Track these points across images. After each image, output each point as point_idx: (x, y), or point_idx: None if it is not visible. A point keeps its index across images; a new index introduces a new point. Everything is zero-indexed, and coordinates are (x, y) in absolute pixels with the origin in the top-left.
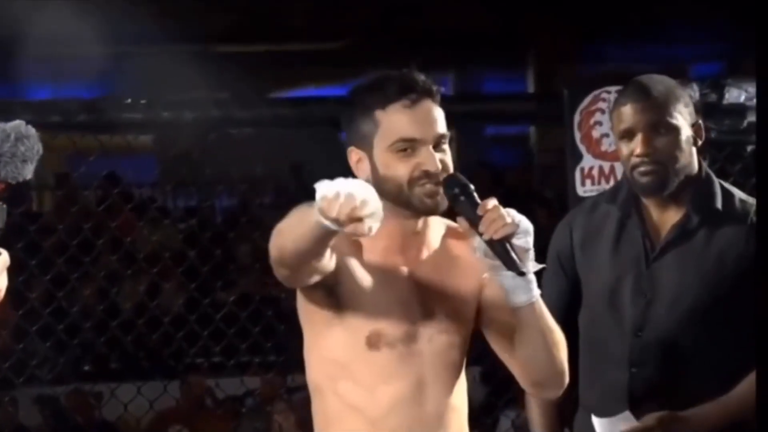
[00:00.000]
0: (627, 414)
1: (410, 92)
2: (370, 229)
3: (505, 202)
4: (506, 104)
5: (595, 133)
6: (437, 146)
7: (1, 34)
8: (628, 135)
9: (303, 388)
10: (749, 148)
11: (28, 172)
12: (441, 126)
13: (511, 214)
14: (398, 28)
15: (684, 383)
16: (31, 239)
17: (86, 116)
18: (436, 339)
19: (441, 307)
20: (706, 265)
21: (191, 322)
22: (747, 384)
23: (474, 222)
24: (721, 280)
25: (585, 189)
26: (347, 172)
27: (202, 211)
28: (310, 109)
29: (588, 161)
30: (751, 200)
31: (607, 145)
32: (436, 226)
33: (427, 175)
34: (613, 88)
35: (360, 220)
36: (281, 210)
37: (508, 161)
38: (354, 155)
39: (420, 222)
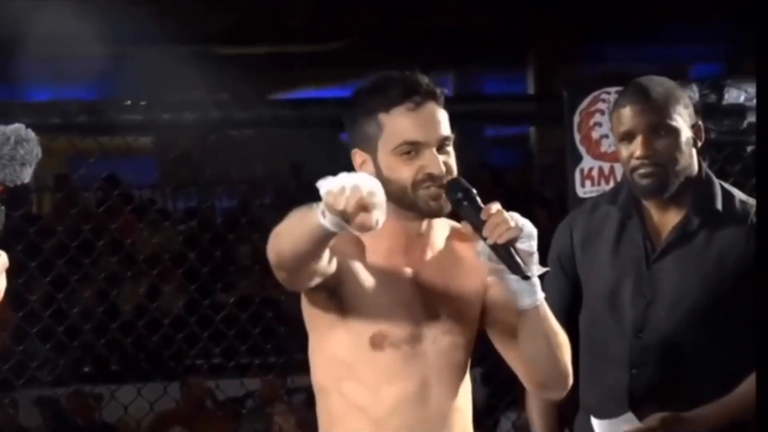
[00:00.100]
0: (629, 415)
1: (414, 95)
2: (377, 222)
3: (505, 203)
4: (506, 105)
5: (595, 134)
6: (441, 149)
7: (0, 35)
8: (627, 137)
9: (303, 390)
10: (749, 148)
11: (27, 175)
12: (445, 128)
13: (515, 218)
14: (398, 28)
15: (684, 384)
16: (31, 241)
17: (86, 118)
18: (441, 340)
19: (445, 309)
20: (707, 267)
21: (191, 324)
22: (747, 385)
23: (478, 226)
24: (722, 281)
25: (585, 190)
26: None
27: (202, 212)
28: (310, 111)
29: (588, 162)
30: (752, 201)
31: (606, 146)
32: (440, 228)
33: (431, 177)
34: (613, 89)
35: (368, 210)
36: (281, 211)
37: (508, 162)
38: (358, 157)
39: (424, 224)
